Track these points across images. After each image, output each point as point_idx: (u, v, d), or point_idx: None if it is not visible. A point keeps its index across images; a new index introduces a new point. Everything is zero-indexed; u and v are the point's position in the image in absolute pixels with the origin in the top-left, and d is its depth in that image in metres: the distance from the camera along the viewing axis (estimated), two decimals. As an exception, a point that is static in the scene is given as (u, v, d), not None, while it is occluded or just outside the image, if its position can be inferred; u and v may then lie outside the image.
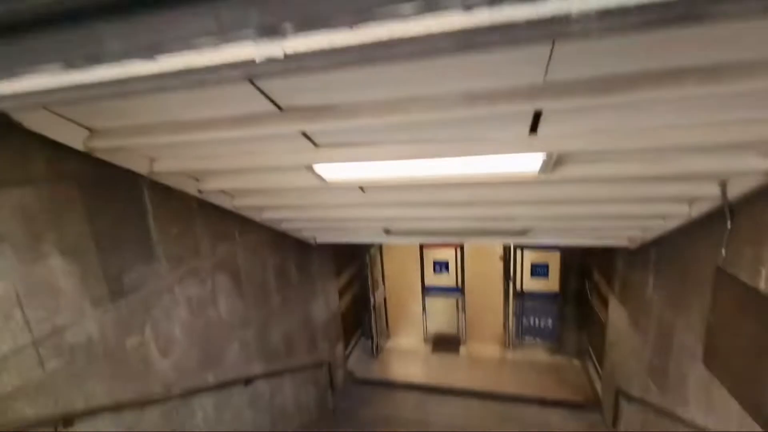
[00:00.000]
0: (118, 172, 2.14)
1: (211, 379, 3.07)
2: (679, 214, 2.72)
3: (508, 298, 6.57)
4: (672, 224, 2.93)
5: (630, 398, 4.07)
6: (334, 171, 2.34)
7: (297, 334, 4.54)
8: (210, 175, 2.65)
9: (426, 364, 6.51)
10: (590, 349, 6.22)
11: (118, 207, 2.24)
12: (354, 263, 6.86)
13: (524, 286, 6.32)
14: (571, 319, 6.34)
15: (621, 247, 4.22)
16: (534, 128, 1.65)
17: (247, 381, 3.55)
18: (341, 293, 6.25)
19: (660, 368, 3.34)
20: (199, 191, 2.75)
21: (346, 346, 6.44)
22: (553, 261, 6.07)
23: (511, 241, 4.38)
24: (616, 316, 4.55)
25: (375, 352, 6.73)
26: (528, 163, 2.08)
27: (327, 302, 5.49)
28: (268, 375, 3.88)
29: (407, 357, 6.74)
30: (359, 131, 1.78)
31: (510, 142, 1.74)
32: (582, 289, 6.05)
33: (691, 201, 2.60)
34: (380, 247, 6.91)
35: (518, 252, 6.18)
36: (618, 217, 3.13)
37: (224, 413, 3.24)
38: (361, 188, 2.78)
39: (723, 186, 2.28)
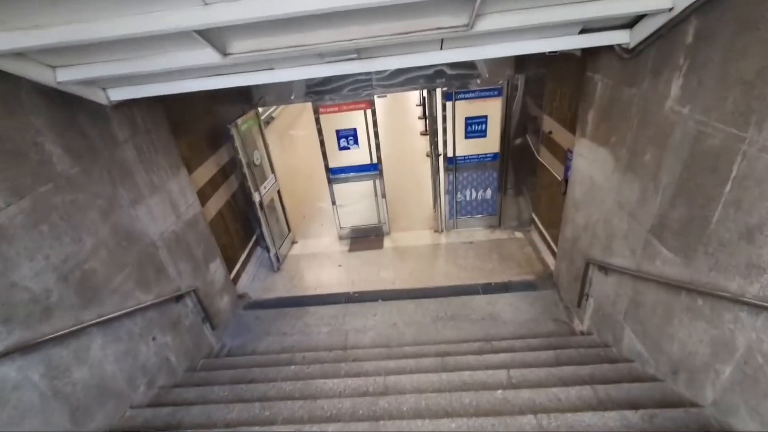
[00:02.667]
0: None
1: None
2: None
3: (437, 172, 5.15)
4: None
5: (609, 270, 3.01)
6: None
7: (103, 262, 2.63)
8: None
9: (343, 268, 5.10)
10: (535, 217, 5.24)
11: None
12: (226, 146, 4.78)
13: (457, 151, 4.86)
14: (512, 185, 5.17)
15: (610, 52, 2.74)
16: None
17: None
18: (206, 192, 4.27)
19: (687, 222, 2.11)
20: None
21: (231, 264, 4.71)
22: (493, 111, 4.56)
23: (446, 57, 2.65)
24: (587, 164, 3.28)
25: (276, 264, 5.12)
26: None
27: (173, 206, 3.53)
28: (30, 347, 2.05)
29: (319, 263, 5.26)
30: None
31: None
32: (524, 145, 4.77)
33: None
34: (257, 118, 4.83)
35: (448, 106, 4.56)
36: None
37: None
38: None
39: None
